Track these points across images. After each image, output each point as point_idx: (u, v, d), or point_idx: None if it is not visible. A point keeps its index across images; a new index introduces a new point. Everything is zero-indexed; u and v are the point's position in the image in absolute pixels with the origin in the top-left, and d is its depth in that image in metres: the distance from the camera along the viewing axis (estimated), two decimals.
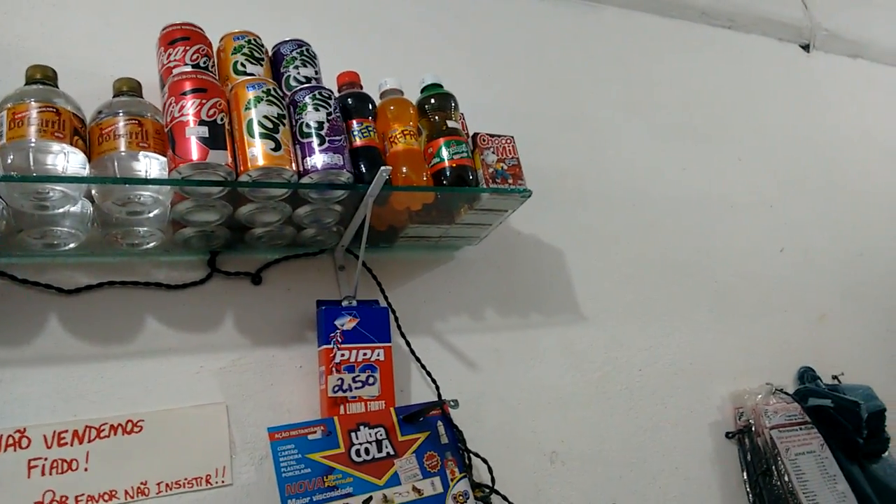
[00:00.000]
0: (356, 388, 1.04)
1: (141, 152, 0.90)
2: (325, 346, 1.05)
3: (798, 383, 1.53)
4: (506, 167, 1.16)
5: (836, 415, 1.38)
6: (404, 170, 1.07)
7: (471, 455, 1.10)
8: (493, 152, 1.16)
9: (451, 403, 1.02)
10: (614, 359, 1.35)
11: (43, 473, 0.89)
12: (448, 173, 1.10)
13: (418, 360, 1.16)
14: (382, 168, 0.98)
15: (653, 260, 1.52)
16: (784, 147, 1.90)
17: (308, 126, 1.00)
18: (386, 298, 1.17)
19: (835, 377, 1.56)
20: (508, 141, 1.18)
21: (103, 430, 0.94)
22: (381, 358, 1.08)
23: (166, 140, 0.92)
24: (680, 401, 1.38)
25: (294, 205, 1.03)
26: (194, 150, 0.89)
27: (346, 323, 1.07)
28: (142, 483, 0.93)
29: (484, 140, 1.16)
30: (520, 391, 1.23)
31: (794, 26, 2.16)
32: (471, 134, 1.17)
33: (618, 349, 1.37)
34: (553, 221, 1.42)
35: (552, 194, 1.39)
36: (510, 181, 1.15)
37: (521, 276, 1.35)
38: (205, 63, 1.04)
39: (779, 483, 1.28)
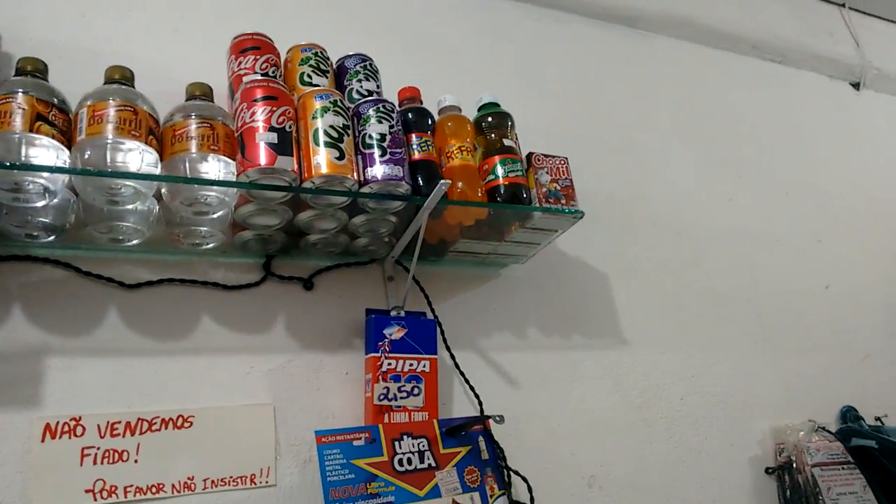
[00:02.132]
0: (401, 397, 1.05)
1: (211, 154, 0.93)
2: (372, 354, 1.06)
3: (840, 422, 1.50)
4: (559, 188, 1.17)
5: (881, 457, 1.35)
6: (460, 185, 1.09)
7: (511, 473, 1.09)
8: (547, 172, 1.17)
9: (497, 419, 1.01)
10: (655, 386, 1.35)
11: (95, 462, 0.91)
12: (502, 191, 1.12)
13: (462, 374, 1.17)
14: (441, 181, 0.99)
15: (697, 290, 1.51)
16: (832, 183, 1.89)
17: (371, 137, 1.02)
18: (433, 311, 1.18)
19: (878, 419, 1.53)
20: (562, 162, 1.19)
21: (155, 423, 0.96)
22: (427, 370, 1.09)
23: (236, 144, 0.94)
24: (720, 433, 1.37)
25: (352, 213, 1.05)
26: (263, 155, 0.92)
27: (395, 333, 1.08)
28: (189, 478, 0.95)
29: (539, 160, 1.17)
30: (560, 412, 1.23)
31: (845, 64, 2.16)
32: (525, 153, 1.19)
33: (659, 377, 1.36)
34: (599, 245, 1.42)
35: (599, 219, 1.40)
36: (563, 202, 1.16)
37: (566, 297, 1.35)
38: (273, 73, 1.07)
39: None
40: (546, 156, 1.18)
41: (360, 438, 0.99)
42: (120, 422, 0.94)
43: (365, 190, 0.99)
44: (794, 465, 1.33)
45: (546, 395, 1.23)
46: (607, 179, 1.51)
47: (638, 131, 1.65)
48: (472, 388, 1.17)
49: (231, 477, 0.97)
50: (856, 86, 2.18)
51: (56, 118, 0.87)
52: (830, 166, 1.93)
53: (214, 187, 0.93)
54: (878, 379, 1.63)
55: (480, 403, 1.16)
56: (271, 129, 0.94)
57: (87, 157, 0.87)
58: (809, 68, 2.10)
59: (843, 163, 1.96)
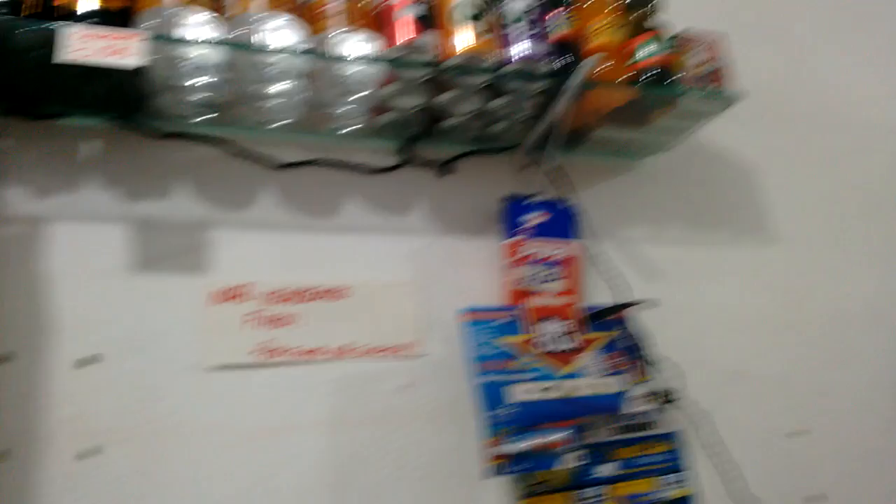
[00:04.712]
0: (542, 282, 1.05)
1: (355, 31, 0.93)
2: (513, 239, 1.06)
3: None
4: (710, 70, 1.09)
5: None
6: (603, 66, 1.04)
7: (653, 361, 1.07)
8: (698, 53, 1.09)
9: (645, 304, 0.99)
10: (807, 287, 1.27)
11: (259, 325, 0.98)
12: (649, 72, 1.05)
13: (601, 263, 1.14)
14: (588, 58, 0.95)
15: (855, 189, 1.39)
16: None
17: (511, 14, 0.98)
18: (572, 199, 1.15)
19: None
20: (715, 42, 1.11)
21: (313, 293, 1.01)
22: (567, 255, 1.07)
23: (379, 20, 0.94)
24: (874, 343, 1.28)
25: (490, 95, 1.02)
26: (406, 31, 0.91)
27: (535, 218, 1.07)
28: (348, 344, 1.00)
29: (688, 40, 1.09)
30: (703, 306, 1.19)
31: None
32: (673, 33, 1.11)
33: (812, 278, 1.28)
34: (746, 137, 1.33)
35: (746, 108, 1.29)
36: (714, 85, 1.08)
37: (709, 191, 1.28)
38: None
39: None
40: (697, 35, 1.10)
41: (505, 317, 1.00)
42: (280, 290, 1.00)
43: (506, 69, 0.97)
44: None
45: (688, 289, 1.19)
46: (759, 66, 1.38)
47: (795, 15, 1.50)
48: (612, 278, 1.14)
49: (387, 346, 1.01)
50: None
51: None
52: None
53: (358, 65, 0.93)
54: None
55: (623, 291, 1.13)
56: (415, 3, 0.92)
57: (238, 33, 0.89)
58: None
59: None
